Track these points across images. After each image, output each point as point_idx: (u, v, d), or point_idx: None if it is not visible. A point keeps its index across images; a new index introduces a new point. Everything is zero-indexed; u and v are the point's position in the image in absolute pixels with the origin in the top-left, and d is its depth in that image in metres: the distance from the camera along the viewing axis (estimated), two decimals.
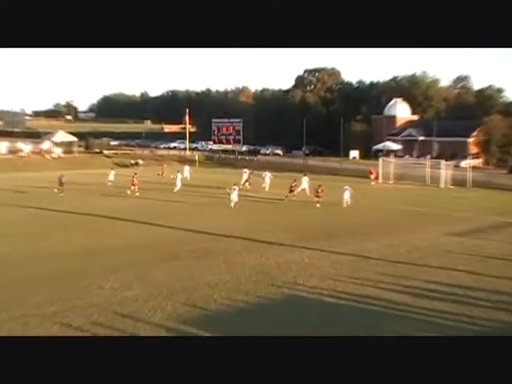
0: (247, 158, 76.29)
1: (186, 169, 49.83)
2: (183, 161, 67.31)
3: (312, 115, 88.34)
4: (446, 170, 46.88)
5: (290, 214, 29.28)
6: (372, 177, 48.11)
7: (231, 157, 75.77)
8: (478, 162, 70.21)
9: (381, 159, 52.53)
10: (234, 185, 31.92)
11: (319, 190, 32.06)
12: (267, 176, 40.73)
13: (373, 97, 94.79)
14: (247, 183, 40.25)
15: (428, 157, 52.41)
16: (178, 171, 40.40)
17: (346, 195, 32.60)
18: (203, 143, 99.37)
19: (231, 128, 75.56)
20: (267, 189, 38.96)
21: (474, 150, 73.02)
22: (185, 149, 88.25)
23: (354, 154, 79.24)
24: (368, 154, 79.66)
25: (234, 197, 30.44)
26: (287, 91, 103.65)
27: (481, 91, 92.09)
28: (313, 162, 65.67)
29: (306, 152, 77.57)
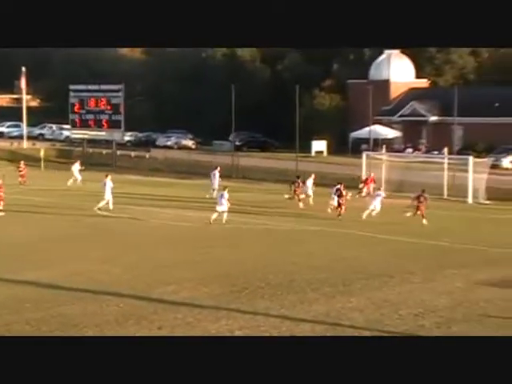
0: (133, 154, 75.71)
1: (76, 168, 53.17)
2: (17, 159, 65.64)
3: (247, 80, 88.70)
4: (477, 174, 47.95)
5: (235, 249, 29.90)
6: (365, 190, 47.92)
7: (105, 152, 74.95)
8: None
9: (365, 156, 53.16)
10: (225, 188, 37.63)
11: (421, 199, 37.50)
12: (310, 182, 45.30)
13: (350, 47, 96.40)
14: (291, 195, 44.36)
15: (445, 150, 53.47)
16: (107, 175, 42.08)
17: (377, 204, 38.11)
18: (54, 127, 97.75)
19: (104, 101, 74.61)
20: (311, 202, 43.82)
21: None
22: (20, 137, 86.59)
23: (319, 146, 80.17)
24: (343, 146, 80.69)
25: (224, 206, 35.91)
26: None
27: None
28: (248, 160, 65.74)
29: (237, 143, 77.70)
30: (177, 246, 30.85)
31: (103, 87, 74.98)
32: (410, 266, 27.05)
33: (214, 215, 35.90)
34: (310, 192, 44.56)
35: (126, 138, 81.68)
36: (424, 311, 20.57)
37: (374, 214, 38.29)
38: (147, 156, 74.30)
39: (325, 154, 79.41)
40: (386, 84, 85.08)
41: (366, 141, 75.67)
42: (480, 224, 38.45)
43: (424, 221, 36.66)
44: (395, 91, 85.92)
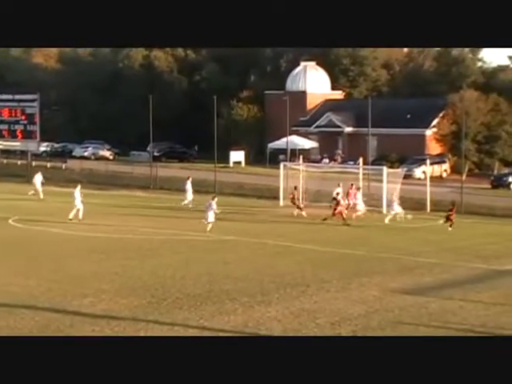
0: (49, 164, 74.56)
1: (38, 179, 51.39)
2: None
3: (165, 91, 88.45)
4: (390, 184, 48.64)
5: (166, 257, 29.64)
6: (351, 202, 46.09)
7: (19, 163, 73.67)
8: (444, 168, 74.36)
9: (282, 166, 53.44)
10: (213, 198, 38.28)
11: (453, 210, 40.38)
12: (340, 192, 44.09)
13: (266, 58, 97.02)
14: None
15: (360, 161, 54.15)
16: (77, 185, 42.04)
17: (396, 206, 41.99)
18: None
19: (18, 111, 73.31)
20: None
21: (435, 148, 77.16)
22: None
23: (237, 156, 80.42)
24: (261, 156, 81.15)
25: (211, 216, 36.98)
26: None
27: (445, 50, 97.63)
28: (167, 171, 65.46)
29: (155, 154, 77.32)
30: (93, 257, 30.42)
31: (17, 97, 73.44)
32: (326, 274, 27.27)
33: (209, 227, 36.84)
34: (362, 206, 44.28)
35: (42, 149, 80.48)
36: (340, 319, 20.76)
37: (398, 217, 41.76)
38: (63, 167, 73.34)
39: (243, 164, 79.72)
40: (302, 95, 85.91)
41: (283, 151, 76.10)
42: (393, 233, 39.02)
43: (450, 228, 39.47)
44: (311, 102, 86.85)
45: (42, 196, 50.45)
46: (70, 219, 39.13)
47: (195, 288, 24.60)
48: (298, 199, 45.30)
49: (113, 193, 56.25)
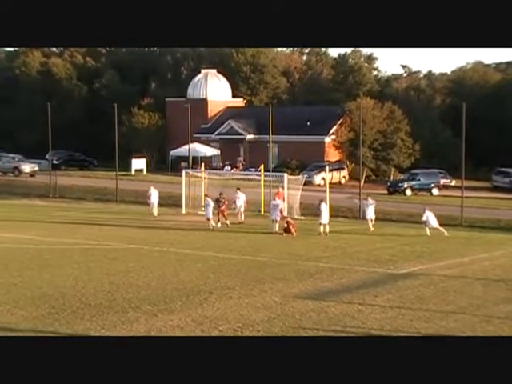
0: None
1: None
2: None
3: (64, 98, 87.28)
4: (291, 191, 49.14)
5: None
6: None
7: None
8: (342, 175, 75.63)
9: (184, 173, 53.39)
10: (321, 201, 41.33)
11: None
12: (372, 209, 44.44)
13: (166, 65, 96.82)
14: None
15: (261, 168, 54.54)
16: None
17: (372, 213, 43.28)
18: None
19: None
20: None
21: (334, 155, 78.40)
22: None
23: (139, 164, 79.89)
24: (162, 164, 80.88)
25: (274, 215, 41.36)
26: (16, 52, 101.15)
27: (342, 59, 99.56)
28: (67, 179, 64.56)
29: (55, 162, 76.09)
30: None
31: None
32: (228, 281, 27.39)
33: (276, 227, 40.83)
34: (373, 215, 44.02)
35: None
36: (243, 326, 20.87)
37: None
38: None
39: (144, 172, 79.23)
40: (203, 102, 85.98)
41: (185, 159, 75.99)
42: (294, 239, 39.38)
43: None
44: (213, 110, 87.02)
45: None
46: None
47: (97, 297, 24.33)
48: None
49: (11, 202, 55.07)
